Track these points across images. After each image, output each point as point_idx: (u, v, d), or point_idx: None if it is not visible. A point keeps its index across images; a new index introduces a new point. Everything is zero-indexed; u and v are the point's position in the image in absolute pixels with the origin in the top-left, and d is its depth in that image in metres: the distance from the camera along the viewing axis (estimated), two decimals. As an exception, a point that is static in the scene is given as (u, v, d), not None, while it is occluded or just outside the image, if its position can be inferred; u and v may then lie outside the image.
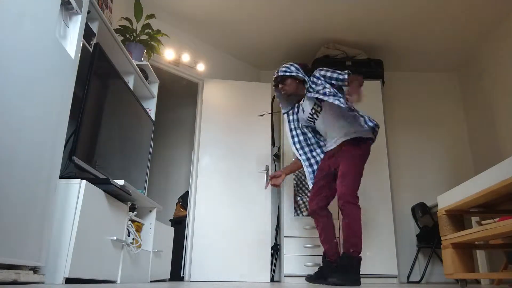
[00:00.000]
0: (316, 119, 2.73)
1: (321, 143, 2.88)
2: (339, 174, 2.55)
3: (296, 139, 2.88)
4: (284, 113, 2.95)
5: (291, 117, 2.91)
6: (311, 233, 3.48)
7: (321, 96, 2.53)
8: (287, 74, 2.73)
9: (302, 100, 2.81)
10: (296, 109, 2.89)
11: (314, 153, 2.86)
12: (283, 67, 2.77)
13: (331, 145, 2.73)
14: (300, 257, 3.41)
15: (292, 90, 2.75)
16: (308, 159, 2.83)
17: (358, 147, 2.59)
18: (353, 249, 2.43)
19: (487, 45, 4.06)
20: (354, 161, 2.55)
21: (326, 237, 2.62)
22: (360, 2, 3.55)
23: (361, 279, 3.38)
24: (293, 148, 2.86)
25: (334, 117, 2.65)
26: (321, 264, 2.67)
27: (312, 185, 2.74)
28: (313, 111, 2.71)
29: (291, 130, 2.90)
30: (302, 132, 2.90)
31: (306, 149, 2.87)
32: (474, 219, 3.18)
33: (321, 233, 2.65)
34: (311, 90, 2.68)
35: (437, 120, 4.55)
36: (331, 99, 2.44)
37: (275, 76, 2.79)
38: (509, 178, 1.67)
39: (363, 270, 3.37)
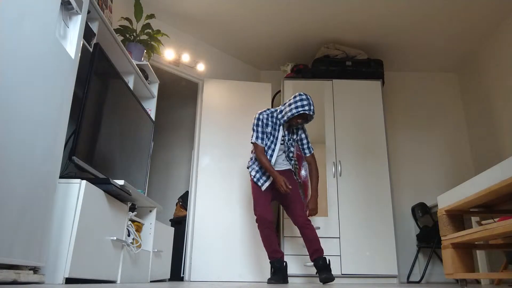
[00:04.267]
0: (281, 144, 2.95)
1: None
2: (293, 199, 2.85)
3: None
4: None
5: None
6: (311, 233, 3.48)
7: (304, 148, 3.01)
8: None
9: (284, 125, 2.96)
10: (275, 127, 2.94)
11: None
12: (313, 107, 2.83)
13: (277, 167, 2.92)
14: (300, 257, 3.41)
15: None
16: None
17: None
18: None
19: (487, 45, 4.06)
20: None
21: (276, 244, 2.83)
22: (360, 2, 3.55)
23: (361, 279, 3.40)
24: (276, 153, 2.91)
25: (283, 154, 2.96)
26: (278, 265, 2.78)
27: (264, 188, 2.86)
28: (283, 137, 2.93)
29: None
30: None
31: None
32: (474, 219, 3.18)
33: (274, 242, 2.81)
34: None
35: (437, 120, 4.55)
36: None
37: (309, 113, 2.77)
38: (509, 178, 1.67)
39: (363, 270, 3.38)
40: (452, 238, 2.21)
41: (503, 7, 3.55)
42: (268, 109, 2.97)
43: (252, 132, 2.90)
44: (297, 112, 2.74)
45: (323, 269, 2.66)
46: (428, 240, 3.79)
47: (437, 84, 4.69)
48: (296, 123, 2.84)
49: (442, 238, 2.33)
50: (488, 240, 2.50)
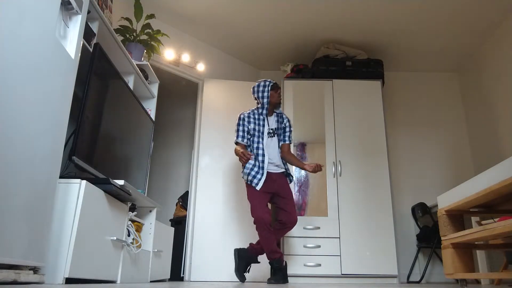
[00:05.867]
0: (271, 137, 3.01)
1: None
2: (286, 201, 2.90)
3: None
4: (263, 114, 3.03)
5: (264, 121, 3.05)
6: (311, 233, 3.48)
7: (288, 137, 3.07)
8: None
9: (269, 113, 3.04)
10: (258, 116, 3.01)
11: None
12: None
13: (272, 169, 2.94)
14: (300, 257, 3.41)
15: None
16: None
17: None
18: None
19: (487, 45, 4.06)
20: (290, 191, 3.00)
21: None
22: (360, 2, 3.55)
23: (361, 279, 3.40)
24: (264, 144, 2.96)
25: (277, 148, 3.02)
26: (278, 265, 2.79)
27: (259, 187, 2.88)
28: (271, 130, 3.01)
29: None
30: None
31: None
32: (474, 219, 3.18)
33: (273, 242, 2.81)
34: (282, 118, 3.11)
35: (437, 120, 4.55)
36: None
37: (274, 82, 3.01)
38: (509, 178, 1.67)
39: (363, 270, 3.38)
40: (452, 238, 2.21)
41: (503, 7, 3.55)
42: (250, 110, 3.07)
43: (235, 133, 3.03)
44: (267, 90, 2.95)
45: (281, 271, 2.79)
46: (428, 240, 3.79)
47: (437, 84, 4.69)
48: (277, 98, 3.00)
49: (442, 238, 2.33)
50: (488, 240, 2.50)
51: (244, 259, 2.90)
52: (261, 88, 2.97)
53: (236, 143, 2.97)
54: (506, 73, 3.72)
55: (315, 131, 3.82)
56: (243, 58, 4.55)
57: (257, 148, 2.94)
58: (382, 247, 3.45)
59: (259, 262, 2.98)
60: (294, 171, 3.70)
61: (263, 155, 2.91)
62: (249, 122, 2.97)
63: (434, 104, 4.61)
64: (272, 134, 3.00)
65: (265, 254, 2.85)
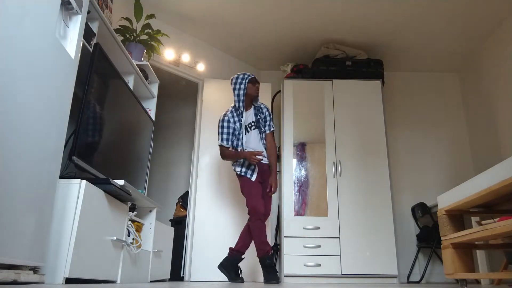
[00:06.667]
0: (251, 130, 3.06)
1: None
2: (266, 193, 2.99)
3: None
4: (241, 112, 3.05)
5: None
6: (311, 233, 3.48)
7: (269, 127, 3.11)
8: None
9: (247, 107, 3.07)
10: (240, 118, 3.03)
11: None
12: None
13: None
14: (300, 257, 3.41)
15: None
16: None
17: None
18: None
19: (487, 45, 4.06)
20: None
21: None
22: (360, 2, 3.55)
23: (362, 279, 3.40)
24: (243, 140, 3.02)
25: (259, 139, 3.06)
26: (270, 262, 2.75)
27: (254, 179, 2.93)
28: (252, 123, 3.05)
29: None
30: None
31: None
32: (474, 219, 3.18)
33: (264, 234, 2.80)
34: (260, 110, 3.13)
35: (437, 120, 4.55)
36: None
37: (253, 76, 3.04)
38: (509, 178, 1.67)
39: (363, 270, 3.38)
40: (452, 238, 2.21)
41: (503, 7, 3.55)
42: (228, 110, 3.07)
43: (218, 135, 3.03)
44: (245, 82, 2.97)
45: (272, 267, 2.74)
46: (428, 240, 3.79)
47: (437, 84, 4.69)
48: (255, 91, 3.02)
49: (442, 238, 2.33)
50: (488, 240, 2.50)
51: (230, 268, 2.89)
52: (239, 80, 2.99)
53: (221, 146, 2.98)
54: (506, 73, 3.72)
55: (315, 131, 3.82)
56: (243, 58, 4.55)
57: (237, 145, 2.99)
58: (382, 247, 3.45)
59: (243, 258, 2.96)
60: (294, 171, 3.70)
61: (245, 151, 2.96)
62: (234, 122, 3.00)
63: (434, 104, 4.61)
64: (253, 127, 3.04)
65: (256, 253, 2.82)
